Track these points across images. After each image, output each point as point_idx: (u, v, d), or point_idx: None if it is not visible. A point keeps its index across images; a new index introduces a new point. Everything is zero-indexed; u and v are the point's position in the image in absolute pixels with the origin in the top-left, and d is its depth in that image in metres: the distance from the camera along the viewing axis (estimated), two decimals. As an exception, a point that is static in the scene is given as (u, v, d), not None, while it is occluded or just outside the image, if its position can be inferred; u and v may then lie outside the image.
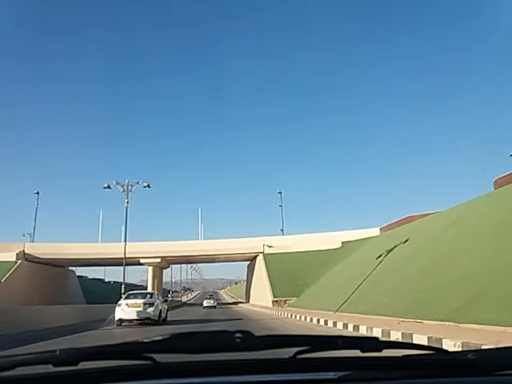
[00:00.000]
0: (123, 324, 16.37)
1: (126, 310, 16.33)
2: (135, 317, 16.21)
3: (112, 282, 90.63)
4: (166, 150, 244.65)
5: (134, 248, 45.61)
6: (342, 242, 42.20)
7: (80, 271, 70.31)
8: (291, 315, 22.17)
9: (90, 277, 78.87)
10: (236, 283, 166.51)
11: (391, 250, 23.05)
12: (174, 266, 74.55)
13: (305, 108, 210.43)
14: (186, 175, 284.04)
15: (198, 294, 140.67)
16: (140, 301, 16.66)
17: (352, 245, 38.32)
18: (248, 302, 55.42)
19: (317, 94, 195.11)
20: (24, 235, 57.82)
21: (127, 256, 45.12)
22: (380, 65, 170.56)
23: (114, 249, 46.85)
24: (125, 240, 34.00)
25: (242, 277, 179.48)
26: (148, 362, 1.12)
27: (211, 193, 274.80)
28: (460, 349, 6.60)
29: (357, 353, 1.20)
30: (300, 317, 20.12)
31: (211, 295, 56.21)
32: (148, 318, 16.24)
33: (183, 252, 47.22)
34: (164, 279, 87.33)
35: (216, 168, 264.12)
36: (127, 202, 32.91)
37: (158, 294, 20.08)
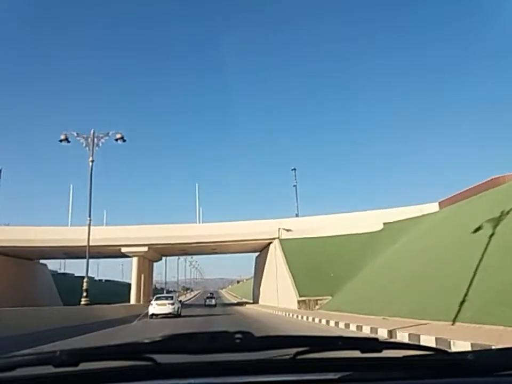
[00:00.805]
0: (153, 317, 23.00)
1: (156, 307, 23.46)
2: (162, 312, 23.09)
3: (103, 280, 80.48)
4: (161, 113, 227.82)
5: (113, 233, 35.61)
6: (384, 224, 32.27)
7: (55, 266, 60.75)
8: (344, 325, 13.80)
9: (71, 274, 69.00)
10: (238, 282, 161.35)
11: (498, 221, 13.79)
12: (169, 260, 64.44)
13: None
14: (183, 149, 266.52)
15: (198, 293, 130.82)
16: (165, 301, 23.86)
17: (400, 225, 29.63)
18: (257, 302, 45.54)
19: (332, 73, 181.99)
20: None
21: (104, 244, 35.15)
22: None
23: (88, 235, 37.00)
24: (89, 216, 24.16)
25: (245, 275, 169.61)
26: (148, 363, 1.12)
27: (211, 172, 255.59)
28: None
29: (357, 353, 1.20)
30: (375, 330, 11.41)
31: (212, 294, 56.98)
32: (170, 313, 23.15)
33: (176, 238, 37.18)
34: (159, 277, 77.56)
35: (216, 143, 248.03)
36: (92, 161, 24.71)
37: (176, 297, 28.67)
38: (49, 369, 1.07)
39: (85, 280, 22.64)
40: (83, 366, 1.09)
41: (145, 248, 37.51)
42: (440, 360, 1.27)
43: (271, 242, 37.58)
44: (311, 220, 37.06)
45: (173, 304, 23.72)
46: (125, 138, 24.70)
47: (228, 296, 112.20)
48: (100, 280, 77.40)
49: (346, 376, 1.16)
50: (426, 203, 31.76)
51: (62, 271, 69.61)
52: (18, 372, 1.07)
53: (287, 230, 35.69)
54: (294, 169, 48.83)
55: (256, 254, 48.04)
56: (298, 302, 26.36)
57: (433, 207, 29.94)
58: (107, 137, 24.53)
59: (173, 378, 1.15)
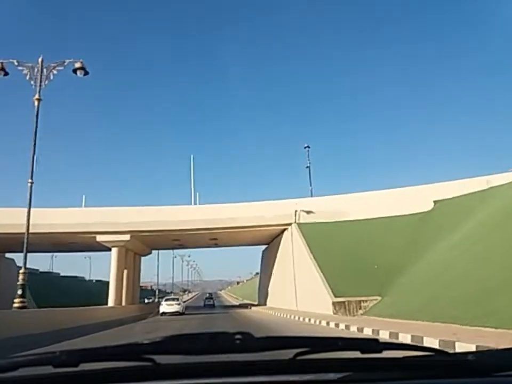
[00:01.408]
0: (163, 315, 28.26)
1: (165, 307, 29.13)
2: (170, 311, 28.44)
3: (95, 281, 72.11)
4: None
5: (87, 217, 27.78)
6: (435, 201, 24.87)
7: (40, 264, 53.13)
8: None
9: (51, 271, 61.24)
10: (238, 283, 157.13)
11: None
12: (165, 259, 56.81)
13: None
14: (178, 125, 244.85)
15: (195, 295, 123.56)
16: (173, 302, 30.11)
17: (459, 203, 23.10)
18: (264, 304, 38.15)
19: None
20: None
21: (73, 230, 27.31)
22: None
23: (54, 218, 29.27)
24: (31, 178, 16.83)
25: (245, 276, 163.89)
26: (148, 363, 1.12)
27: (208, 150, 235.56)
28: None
29: (357, 354, 1.19)
30: None
31: (210, 295, 57.75)
32: (177, 311, 28.43)
33: (166, 224, 29.59)
34: (153, 277, 70.40)
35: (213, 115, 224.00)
36: (39, 99, 17.64)
37: (181, 298, 39.00)
38: (50, 369, 1.08)
39: (21, 271, 15.34)
40: (83, 366, 1.09)
41: (127, 237, 29.71)
42: (440, 360, 1.27)
43: (285, 229, 29.96)
44: (337, 199, 29.31)
45: (179, 304, 29.69)
46: (87, 69, 17.50)
47: (228, 297, 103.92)
48: (84, 279, 69.19)
49: (346, 377, 1.16)
50: (493, 174, 24.32)
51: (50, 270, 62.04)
52: (19, 372, 1.08)
53: (307, 212, 28.03)
54: (308, 147, 41.07)
55: (263, 247, 40.63)
56: (334, 304, 18.70)
57: (504, 178, 22.49)
58: (61, 68, 17.55)
59: (172, 379, 1.15)
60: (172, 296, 39.57)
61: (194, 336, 1.18)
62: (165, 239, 33.87)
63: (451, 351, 1.69)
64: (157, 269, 56.37)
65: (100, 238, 29.50)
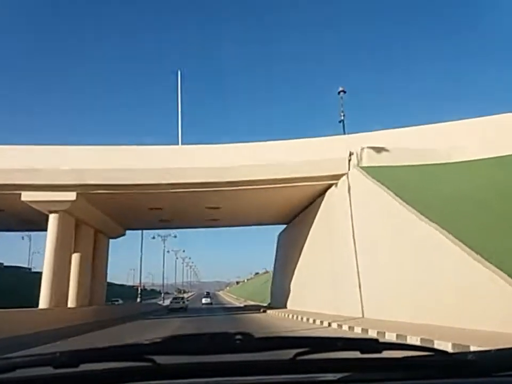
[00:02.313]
0: (172, 311, 33.70)
1: (173, 304, 36.57)
2: (176, 307, 35.24)
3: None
4: None
5: (4, 161, 16.29)
6: None
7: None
8: None
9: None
10: (238, 282, 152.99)
11: None
12: (161, 257, 45.96)
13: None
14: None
15: (192, 295, 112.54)
16: (179, 301, 37.54)
17: None
18: (284, 306, 27.60)
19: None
20: None
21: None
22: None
23: None
24: None
25: (245, 276, 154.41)
26: (148, 364, 1.11)
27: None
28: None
29: (356, 354, 1.18)
30: None
31: (208, 293, 60.09)
32: (182, 307, 35.08)
33: (138, 176, 18.13)
34: (152, 279, 60.65)
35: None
36: None
37: (185, 297, 48.59)
38: (50, 370, 1.06)
39: None
40: (83, 367, 1.08)
41: (72, 195, 18.23)
42: (440, 360, 1.25)
43: (329, 187, 18.63)
44: (420, 131, 17.95)
45: (183, 302, 37.25)
46: None
47: (228, 298, 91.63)
48: (29, 271, 54.77)
49: (346, 377, 1.15)
50: None
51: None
52: (18, 373, 1.06)
53: (377, 151, 16.61)
54: (343, 91, 29.18)
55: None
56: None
57: None
58: None
59: (173, 379, 1.14)
60: (178, 295, 52.55)
61: (195, 336, 1.18)
62: (139, 207, 22.21)
63: (451, 351, 1.55)
64: (140, 260, 44.64)
65: (26, 196, 17.90)
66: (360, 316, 15.34)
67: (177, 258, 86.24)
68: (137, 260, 44.45)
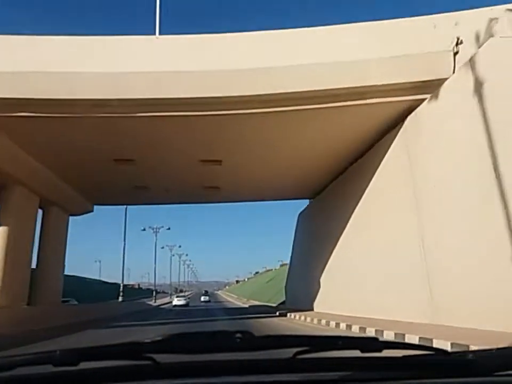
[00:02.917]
0: (175, 307, 40.73)
1: (176, 301, 44.39)
2: (180, 303, 43.03)
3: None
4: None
5: None
6: None
7: None
8: None
9: None
10: (237, 282, 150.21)
11: None
12: (159, 257, 41.67)
13: None
14: None
15: (190, 294, 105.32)
16: (181, 298, 46.09)
17: None
18: (309, 309, 20.68)
19: None
20: None
21: None
22: None
23: None
24: None
25: (244, 275, 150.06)
26: (148, 362, 1.11)
27: None
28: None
29: (356, 353, 1.17)
30: None
31: (206, 292, 66.65)
32: (184, 304, 42.69)
33: (87, 89, 10.89)
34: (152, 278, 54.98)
35: None
36: None
37: (187, 296, 59.03)
38: (49, 368, 1.06)
39: None
40: (83, 365, 1.07)
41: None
42: (440, 360, 1.25)
43: (408, 110, 11.27)
44: None
45: (185, 300, 45.19)
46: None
47: (228, 298, 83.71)
48: None
49: (346, 376, 1.15)
50: None
51: None
52: (18, 371, 1.05)
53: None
54: None
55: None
56: None
57: None
58: None
59: (173, 378, 1.14)
60: (181, 294, 64.45)
61: (194, 334, 1.17)
62: (99, 158, 14.58)
63: (451, 350, 1.44)
64: (122, 253, 37.36)
65: None
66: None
67: (173, 255, 79.22)
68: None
